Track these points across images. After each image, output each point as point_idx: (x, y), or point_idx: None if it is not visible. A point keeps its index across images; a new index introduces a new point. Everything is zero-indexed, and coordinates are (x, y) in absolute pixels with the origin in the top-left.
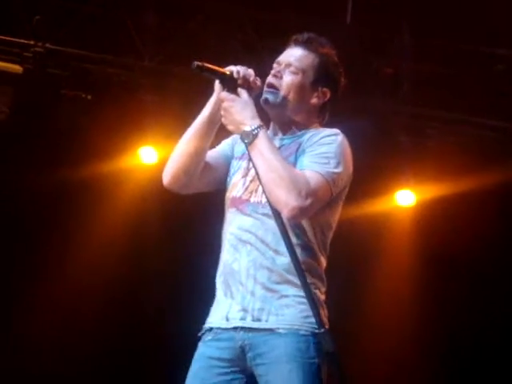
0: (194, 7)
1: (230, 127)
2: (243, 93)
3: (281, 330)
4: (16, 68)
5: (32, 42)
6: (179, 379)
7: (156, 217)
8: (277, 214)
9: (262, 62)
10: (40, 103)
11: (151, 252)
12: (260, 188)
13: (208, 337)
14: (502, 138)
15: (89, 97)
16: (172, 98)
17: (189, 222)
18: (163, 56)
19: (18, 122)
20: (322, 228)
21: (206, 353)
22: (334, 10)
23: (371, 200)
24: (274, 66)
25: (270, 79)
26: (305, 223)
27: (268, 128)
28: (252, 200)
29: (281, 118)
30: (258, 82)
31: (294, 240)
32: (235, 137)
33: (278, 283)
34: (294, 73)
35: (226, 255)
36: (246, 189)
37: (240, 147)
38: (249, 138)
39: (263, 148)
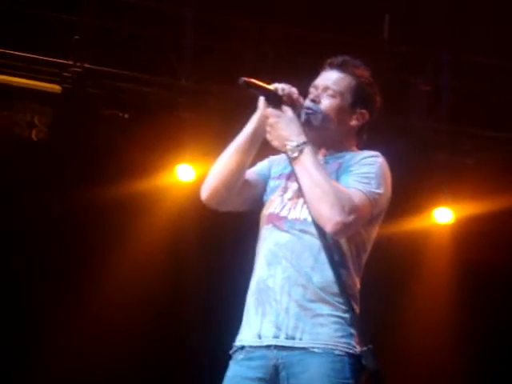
0: (229, 25)
1: (275, 143)
2: (288, 110)
3: (315, 350)
4: (55, 88)
5: (71, 62)
6: None
7: (193, 235)
8: (320, 231)
9: (297, 80)
10: (78, 122)
11: (188, 270)
12: (298, 206)
13: (240, 355)
14: None
15: (126, 115)
16: (209, 116)
17: (225, 240)
18: (199, 74)
19: (57, 141)
20: (357, 248)
21: (238, 372)
22: (371, 27)
23: (410, 218)
24: (311, 90)
25: (308, 103)
26: (342, 242)
27: None
28: (290, 217)
29: (320, 140)
30: (301, 100)
31: (331, 257)
32: (272, 159)
33: (312, 301)
34: (333, 96)
35: (261, 271)
36: (284, 206)
37: (277, 168)
38: (295, 154)
39: (308, 163)
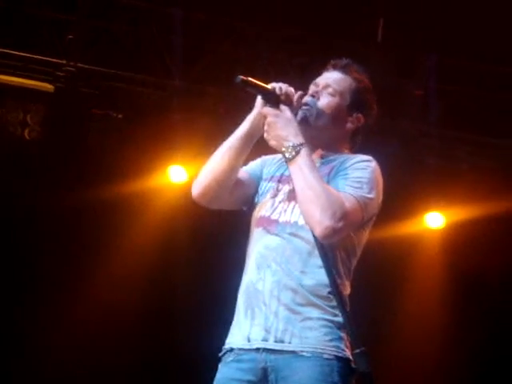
0: (223, 27)
1: (272, 142)
2: (286, 109)
3: (304, 353)
4: (48, 87)
5: (64, 62)
6: None
7: (184, 235)
8: (311, 235)
9: (291, 81)
10: (71, 122)
11: (179, 270)
12: (289, 208)
13: (229, 358)
14: None
15: (119, 116)
16: (202, 117)
17: (217, 240)
18: (193, 75)
19: (50, 140)
20: (347, 252)
21: (227, 374)
22: (365, 30)
23: (401, 222)
24: (312, 87)
25: (306, 99)
26: (332, 246)
27: None
28: (280, 220)
29: (314, 139)
30: (299, 100)
31: (321, 261)
32: (265, 159)
33: (302, 305)
34: (332, 94)
35: (251, 274)
36: (275, 209)
37: (269, 169)
38: (291, 154)
39: (304, 165)
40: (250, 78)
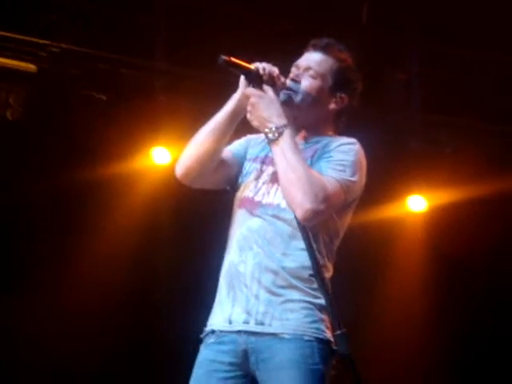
0: (208, 10)
1: (255, 123)
2: (269, 90)
3: (285, 335)
4: (31, 67)
5: (47, 42)
6: (182, 380)
7: (168, 217)
8: (293, 217)
9: (277, 65)
10: (54, 103)
11: (163, 252)
12: (272, 190)
13: (210, 339)
14: None
15: (103, 97)
16: (186, 100)
17: (200, 222)
18: (178, 57)
19: (32, 121)
20: (330, 235)
21: (208, 356)
22: (350, 12)
23: (383, 206)
24: (293, 69)
25: (288, 82)
26: (315, 229)
27: None
28: (263, 201)
29: (298, 121)
30: (282, 80)
31: (303, 243)
32: (249, 138)
33: (283, 287)
34: (314, 77)
35: (233, 256)
36: (258, 191)
37: (254, 150)
38: (274, 136)
39: (286, 147)
40: (232, 59)
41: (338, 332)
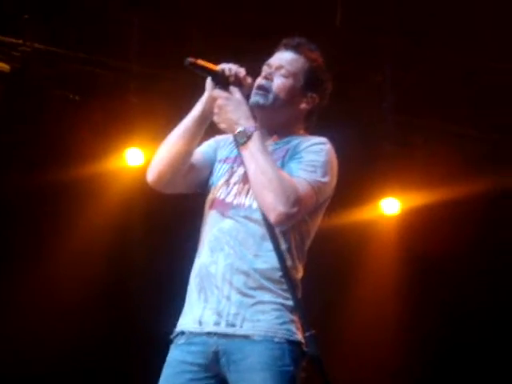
0: (182, 10)
1: (223, 125)
2: (236, 91)
3: (255, 337)
4: (4, 67)
5: (20, 41)
6: (152, 378)
7: (141, 217)
8: (265, 218)
9: (251, 65)
10: (27, 103)
11: (135, 253)
12: (243, 191)
13: (180, 340)
14: (487, 148)
15: (76, 97)
16: (159, 100)
17: (173, 222)
18: (151, 58)
19: (5, 121)
20: (302, 236)
21: (178, 357)
22: (324, 14)
23: (356, 208)
24: (264, 68)
25: (260, 81)
26: (286, 230)
27: None
28: (235, 203)
29: (269, 121)
30: (249, 80)
31: (274, 245)
32: (218, 139)
33: (254, 289)
34: (285, 76)
35: (204, 257)
36: (229, 192)
37: (224, 150)
38: (243, 139)
39: (256, 150)
40: (198, 61)
41: (307, 334)
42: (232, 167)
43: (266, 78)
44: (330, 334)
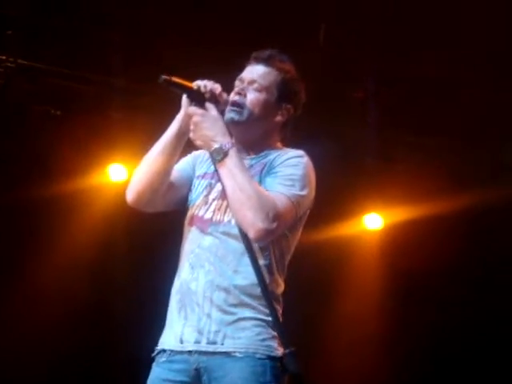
0: (164, 26)
1: (199, 143)
2: (212, 108)
3: (237, 354)
4: None
5: (3, 57)
6: None
7: (124, 233)
8: (243, 234)
9: (233, 80)
10: (10, 118)
11: (118, 269)
12: (222, 207)
13: (162, 358)
14: (470, 163)
15: (58, 113)
16: (142, 116)
17: (156, 238)
18: (134, 73)
19: None
20: (281, 250)
21: (160, 375)
22: (307, 32)
23: (339, 223)
24: (237, 83)
25: (233, 97)
26: (266, 245)
27: None
28: (214, 219)
29: (245, 136)
30: (225, 96)
31: (255, 260)
32: (195, 155)
33: (234, 305)
34: (258, 90)
35: (184, 274)
36: (208, 208)
37: (201, 166)
38: (219, 156)
39: (233, 166)
40: (173, 78)
41: (287, 351)
42: (210, 183)
43: (239, 93)
44: (312, 350)
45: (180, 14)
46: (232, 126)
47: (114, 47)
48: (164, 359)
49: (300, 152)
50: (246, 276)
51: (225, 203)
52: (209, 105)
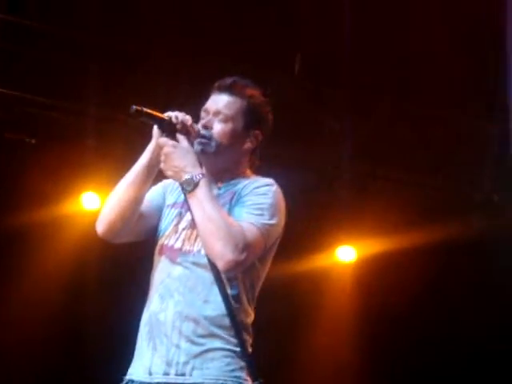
0: (140, 54)
1: (170, 173)
2: (183, 139)
3: None
4: None
5: None
6: None
7: (97, 263)
8: (212, 264)
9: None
10: None
11: (90, 298)
12: (192, 237)
13: None
14: (441, 197)
15: (32, 141)
16: (116, 144)
17: (129, 268)
18: (107, 102)
19: None
20: (251, 280)
21: None
22: (282, 62)
23: (312, 255)
24: (202, 114)
25: (201, 131)
26: (236, 276)
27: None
28: (183, 249)
29: (215, 166)
30: (196, 128)
31: (224, 291)
32: (166, 184)
33: (203, 336)
34: (224, 121)
35: (153, 304)
36: (178, 238)
37: (172, 195)
38: (190, 187)
39: (203, 197)
40: (144, 109)
41: (256, 382)
42: (180, 212)
43: (205, 127)
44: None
45: (157, 43)
46: (202, 157)
47: (89, 75)
48: None
49: (269, 180)
50: (216, 307)
51: (195, 233)
52: (180, 136)
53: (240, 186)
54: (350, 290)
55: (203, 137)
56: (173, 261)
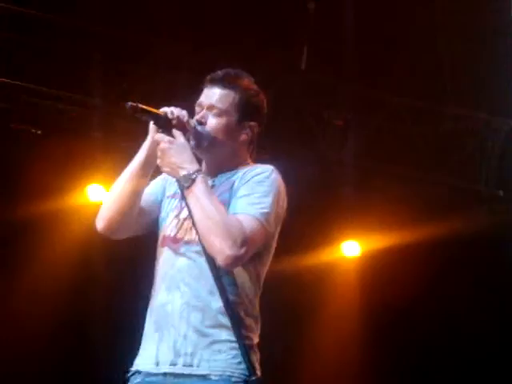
0: (145, 47)
1: (166, 170)
2: (179, 135)
3: (212, 377)
4: None
5: None
6: None
7: (103, 255)
8: (211, 259)
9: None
10: None
11: (97, 289)
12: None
13: (136, 379)
14: (446, 193)
15: (38, 132)
16: (121, 136)
17: (134, 259)
18: (114, 94)
19: None
20: (256, 269)
21: None
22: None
23: (317, 250)
24: (197, 109)
25: (196, 127)
26: (242, 266)
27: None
28: (186, 238)
29: (212, 160)
30: (192, 123)
31: (228, 281)
32: (164, 177)
33: (211, 327)
34: (218, 115)
35: (160, 296)
36: (180, 228)
37: (171, 187)
38: (187, 183)
39: (200, 193)
40: (139, 105)
41: (253, 378)
42: (181, 203)
43: (200, 122)
44: (289, 375)
45: (162, 36)
46: (198, 152)
47: (95, 67)
48: (139, 380)
49: (267, 167)
50: (222, 297)
51: None
52: (176, 132)
53: (239, 174)
54: (355, 285)
55: (198, 133)
56: (176, 252)
